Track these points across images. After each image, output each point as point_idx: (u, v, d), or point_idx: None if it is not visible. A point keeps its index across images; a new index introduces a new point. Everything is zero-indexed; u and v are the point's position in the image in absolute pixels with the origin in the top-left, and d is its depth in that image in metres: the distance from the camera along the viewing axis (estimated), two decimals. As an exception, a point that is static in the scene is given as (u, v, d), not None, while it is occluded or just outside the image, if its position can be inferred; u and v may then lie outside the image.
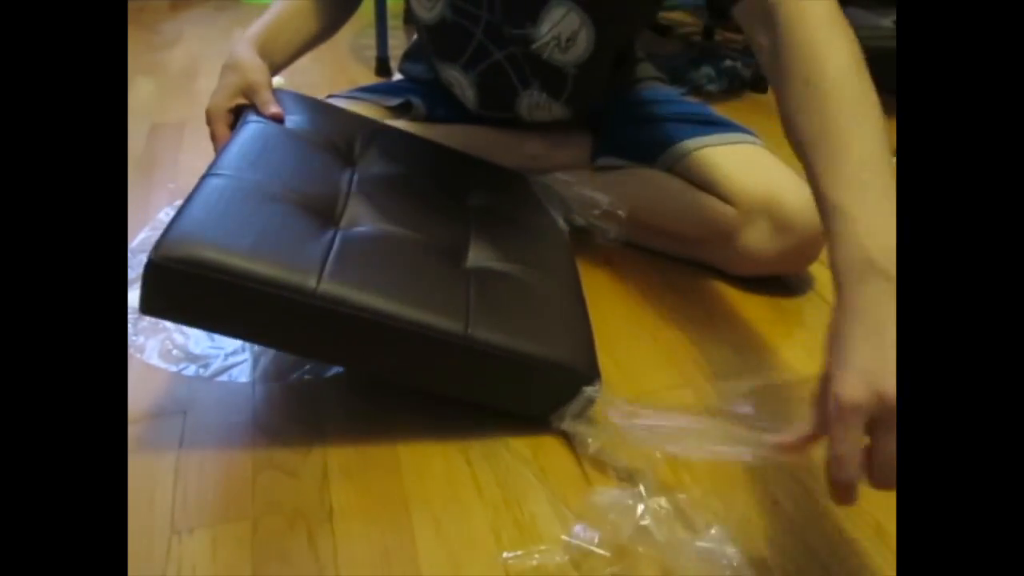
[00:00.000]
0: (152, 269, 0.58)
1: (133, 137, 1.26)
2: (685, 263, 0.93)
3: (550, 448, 0.66)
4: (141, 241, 0.96)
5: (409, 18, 1.89)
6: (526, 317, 0.68)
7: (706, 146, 0.91)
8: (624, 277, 0.92)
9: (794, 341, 0.82)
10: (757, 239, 0.86)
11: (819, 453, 0.50)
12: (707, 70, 1.57)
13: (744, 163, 0.89)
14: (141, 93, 1.47)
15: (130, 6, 2.07)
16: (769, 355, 0.80)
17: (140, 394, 0.71)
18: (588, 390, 0.65)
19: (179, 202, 1.04)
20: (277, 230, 0.63)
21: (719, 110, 1.49)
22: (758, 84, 1.57)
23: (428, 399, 0.71)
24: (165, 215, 1.02)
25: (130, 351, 0.76)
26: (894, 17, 2.02)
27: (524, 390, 0.66)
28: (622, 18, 0.88)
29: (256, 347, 0.77)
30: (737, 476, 0.64)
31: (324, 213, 0.69)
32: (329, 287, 0.60)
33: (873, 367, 0.45)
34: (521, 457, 0.65)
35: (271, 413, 0.69)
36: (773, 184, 0.86)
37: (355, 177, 0.76)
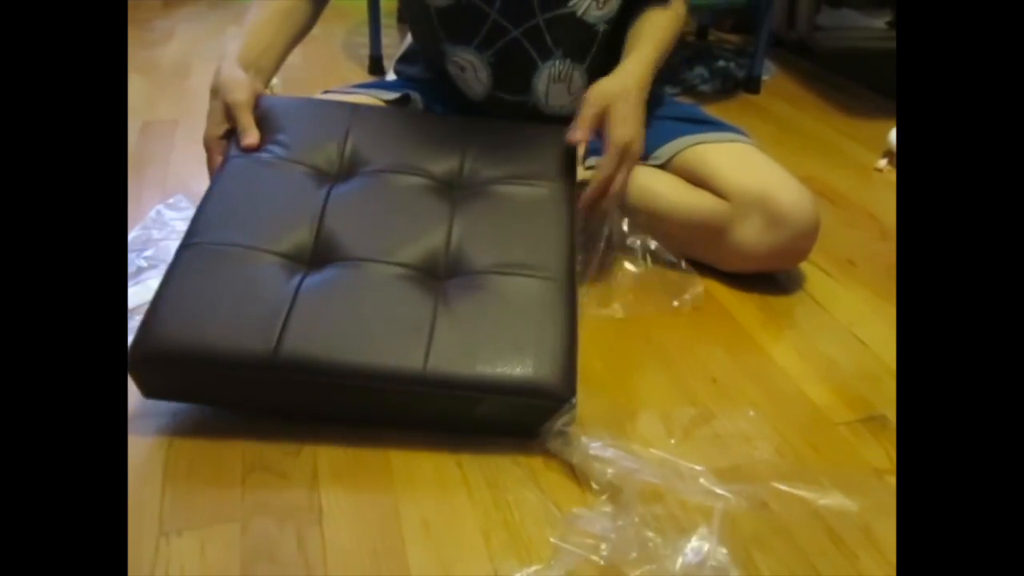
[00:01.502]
0: (132, 367, 0.64)
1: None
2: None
3: (540, 449, 0.66)
4: (133, 239, 0.95)
5: (403, 17, 1.89)
6: (495, 337, 0.66)
7: (699, 143, 0.91)
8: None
9: (785, 343, 0.82)
10: (750, 234, 0.86)
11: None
12: (700, 70, 1.57)
13: (737, 160, 0.89)
14: (133, 90, 1.47)
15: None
16: (760, 357, 0.80)
17: (129, 392, 0.71)
18: (565, 409, 0.64)
19: (171, 200, 1.05)
20: (242, 301, 0.66)
21: (712, 110, 1.49)
22: (751, 84, 1.57)
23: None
24: (156, 213, 1.01)
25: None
26: (887, 19, 2.02)
27: (496, 413, 0.65)
28: None
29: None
30: (726, 476, 0.64)
31: (295, 256, 0.70)
32: (287, 353, 0.63)
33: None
34: (511, 458, 0.65)
35: (260, 413, 0.69)
36: (766, 180, 0.86)
37: (331, 194, 0.75)
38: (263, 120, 0.81)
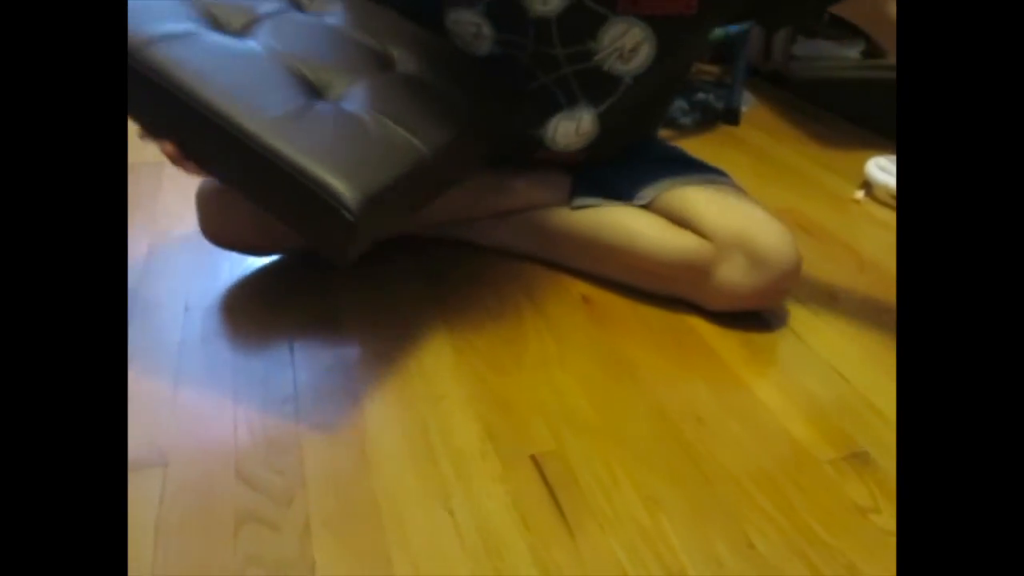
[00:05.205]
0: None
1: (111, 177, 1.26)
2: (661, 298, 0.95)
3: (531, 495, 0.67)
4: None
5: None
6: (327, 139, 0.70)
7: (682, 184, 0.93)
8: (601, 315, 0.93)
9: (768, 380, 0.84)
10: (732, 274, 0.88)
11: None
12: (680, 103, 1.60)
13: (719, 201, 0.91)
14: (119, 130, 1.47)
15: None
16: (744, 394, 0.81)
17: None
18: (346, 227, 0.67)
19: (159, 243, 1.05)
20: (163, 10, 0.73)
21: (692, 142, 1.52)
22: (730, 116, 1.61)
23: (408, 446, 0.72)
24: (143, 259, 1.02)
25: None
26: (861, 48, 2.08)
27: (291, 201, 0.69)
28: (681, 39, 0.92)
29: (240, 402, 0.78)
30: (713, 517, 0.65)
31: (217, 19, 0.77)
32: (156, 54, 0.69)
33: None
34: (502, 505, 0.66)
35: (253, 462, 0.70)
36: (748, 221, 0.88)
37: (288, 13, 0.83)
38: None
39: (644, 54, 0.90)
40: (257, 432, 0.73)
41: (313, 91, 0.76)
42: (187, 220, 1.08)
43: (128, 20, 0.70)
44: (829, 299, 0.99)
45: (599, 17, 0.87)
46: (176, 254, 1.03)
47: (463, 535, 0.63)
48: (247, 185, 0.73)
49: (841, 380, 0.84)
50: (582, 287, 0.98)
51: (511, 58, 0.91)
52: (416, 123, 0.77)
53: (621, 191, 0.97)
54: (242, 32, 0.78)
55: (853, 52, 2.09)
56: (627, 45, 0.89)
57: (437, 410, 0.77)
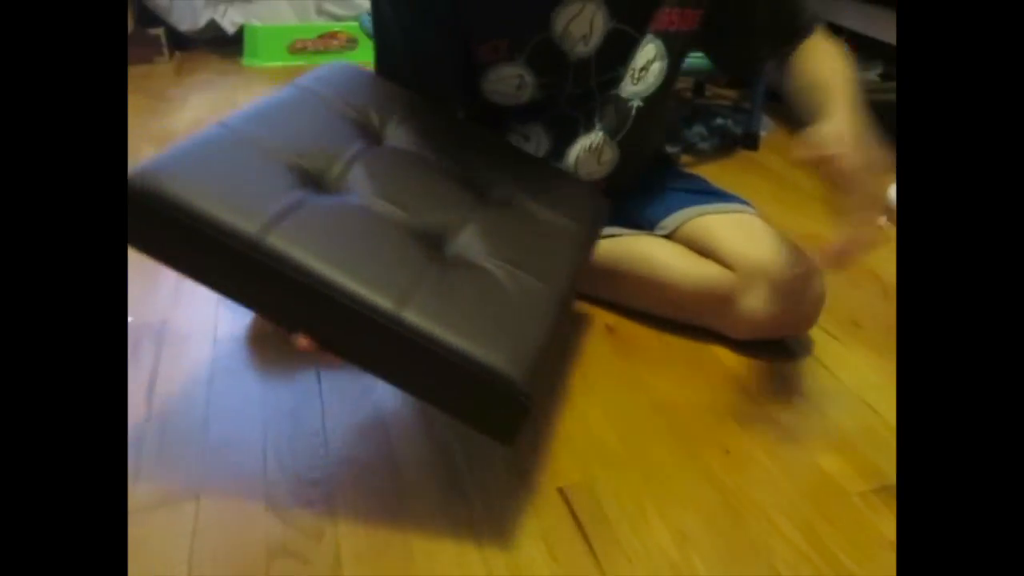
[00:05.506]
0: (130, 200, 0.62)
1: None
2: (685, 328, 0.95)
3: (559, 529, 0.67)
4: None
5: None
6: (474, 314, 0.65)
7: (704, 214, 0.94)
8: (625, 346, 0.94)
9: (794, 410, 0.83)
10: (756, 304, 0.88)
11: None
12: (699, 128, 1.60)
13: (742, 230, 0.92)
14: (148, 162, 1.51)
15: (137, 71, 2.12)
16: (771, 426, 0.81)
17: (152, 479, 0.72)
18: (520, 409, 0.62)
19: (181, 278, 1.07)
20: (249, 180, 0.66)
21: (711, 168, 1.52)
22: (749, 141, 1.61)
23: (436, 479, 0.72)
24: (173, 290, 1.04)
25: (142, 434, 0.78)
26: (879, 70, 2.08)
27: (451, 388, 0.64)
28: (682, 56, 0.93)
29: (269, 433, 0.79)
30: (742, 552, 0.65)
31: (311, 175, 0.71)
32: (277, 242, 0.62)
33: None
34: (530, 538, 0.66)
35: (284, 496, 0.70)
36: (770, 250, 0.88)
37: (370, 149, 0.78)
38: (330, 75, 0.84)
39: (655, 72, 0.91)
40: (287, 465, 0.74)
41: (432, 242, 0.71)
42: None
43: (224, 198, 0.63)
44: (853, 327, 0.98)
45: (631, 41, 0.89)
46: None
47: (491, 568, 0.63)
48: (397, 373, 0.65)
49: (868, 410, 0.83)
50: (606, 317, 0.99)
51: (551, 99, 0.92)
52: (540, 264, 0.73)
53: (643, 220, 0.97)
54: (340, 184, 0.72)
55: (871, 75, 2.09)
56: (639, 63, 0.90)
57: (465, 442, 0.77)
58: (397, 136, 0.82)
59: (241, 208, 0.63)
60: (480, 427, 0.65)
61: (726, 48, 0.98)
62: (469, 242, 0.72)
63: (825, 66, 0.87)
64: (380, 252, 0.66)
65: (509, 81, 0.90)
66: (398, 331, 0.61)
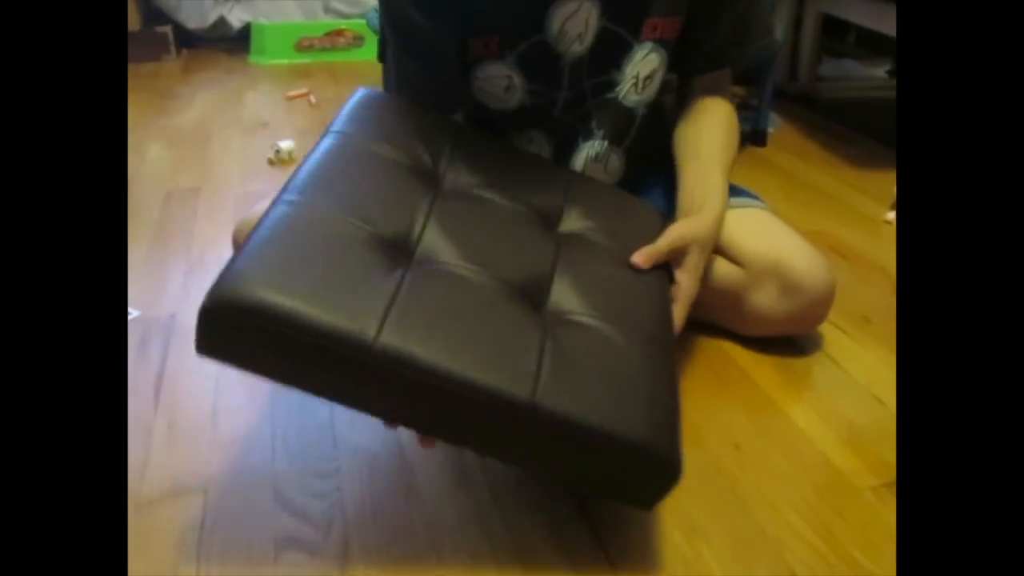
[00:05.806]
0: (205, 314, 0.56)
1: (149, 204, 1.29)
2: (695, 324, 0.95)
3: (569, 523, 0.67)
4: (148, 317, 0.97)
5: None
6: (604, 385, 0.61)
7: None
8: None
9: (804, 406, 0.83)
10: (765, 301, 0.87)
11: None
12: (707, 125, 1.60)
13: (752, 226, 0.91)
14: (157, 160, 1.51)
15: (144, 70, 2.13)
16: (781, 421, 0.81)
17: (161, 471, 0.72)
18: (669, 482, 0.61)
19: (195, 270, 1.08)
20: (341, 270, 0.60)
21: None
22: (757, 138, 1.61)
23: (445, 472, 0.72)
24: (181, 285, 1.04)
25: (151, 427, 0.78)
26: (887, 67, 2.07)
27: (594, 467, 0.61)
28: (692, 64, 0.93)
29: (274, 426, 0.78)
30: (754, 547, 0.65)
31: (396, 246, 0.66)
32: (390, 340, 0.57)
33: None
34: (540, 532, 0.66)
35: (292, 488, 0.70)
36: (781, 247, 0.88)
37: (436, 200, 0.72)
38: (366, 112, 0.80)
39: (657, 80, 0.91)
40: (295, 458, 0.74)
41: (531, 303, 0.67)
42: (222, 246, 1.10)
43: (323, 299, 0.57)
44: (863, 322, 0.98)
45: (624, 44, 0.88)
46: (212, 280, 1.05)
47: (501, 562, 0.63)
48: (529, 459, 0.62)
49: (879, 405, 0.83)
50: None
51: (542, 108, 0.90)
52: (642, 317, 0.70)
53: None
54: (422, 249, 0.67)
55: (879, 72, 2.09)
56: (643, 72, 0.90)
57: (472, 436, 0.77)
58: (454, 174, 0.77)
59: (344, 308, 0.57)
60: (620, 498, 0.63)
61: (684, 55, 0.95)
62: (563, 298, 0.69)
63: (715, 141, 0.91)
64: (493, 332, 0.61)
65: (497, 81, 0.88)
66: (533, 421, 0.58)
